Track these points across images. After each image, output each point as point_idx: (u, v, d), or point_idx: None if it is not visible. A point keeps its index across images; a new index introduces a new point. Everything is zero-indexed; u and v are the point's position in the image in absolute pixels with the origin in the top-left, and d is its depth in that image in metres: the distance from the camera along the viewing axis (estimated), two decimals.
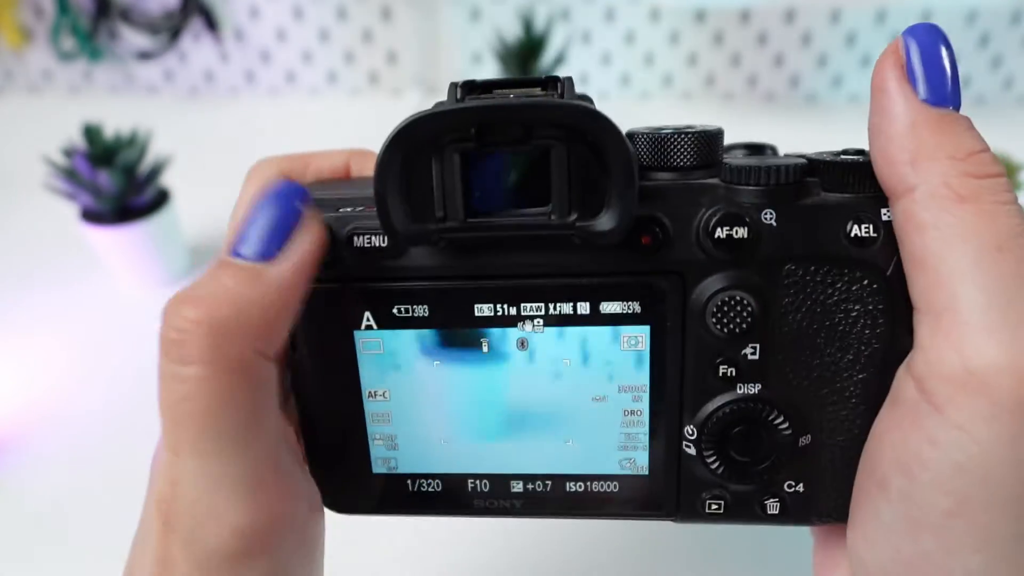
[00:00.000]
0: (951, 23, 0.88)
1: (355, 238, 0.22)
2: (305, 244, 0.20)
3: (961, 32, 0.89)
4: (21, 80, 1.03)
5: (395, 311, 0.23)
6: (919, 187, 0.18)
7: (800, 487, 0.22)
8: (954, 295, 0.17)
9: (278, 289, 0.19)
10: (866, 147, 0.21)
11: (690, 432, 0.22)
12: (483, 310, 0.22)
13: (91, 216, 0.57)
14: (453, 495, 0.24)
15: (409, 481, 0.24)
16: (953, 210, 0.18)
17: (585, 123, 0.19)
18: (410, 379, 0.23)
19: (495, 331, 0.22)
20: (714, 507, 0.23)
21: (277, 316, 0.19)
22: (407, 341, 0.23)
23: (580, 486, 0.24)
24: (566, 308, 0.22)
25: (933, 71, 0.19)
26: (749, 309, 0.21)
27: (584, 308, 0.22)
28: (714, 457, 0.22)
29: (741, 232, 0.20)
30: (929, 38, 0.19)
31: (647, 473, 0.23)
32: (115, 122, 0.62)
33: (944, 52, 0.19)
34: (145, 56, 0.97)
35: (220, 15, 0.95)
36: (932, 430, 0.17)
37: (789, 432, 0.21)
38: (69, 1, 0.95)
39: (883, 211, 0.20)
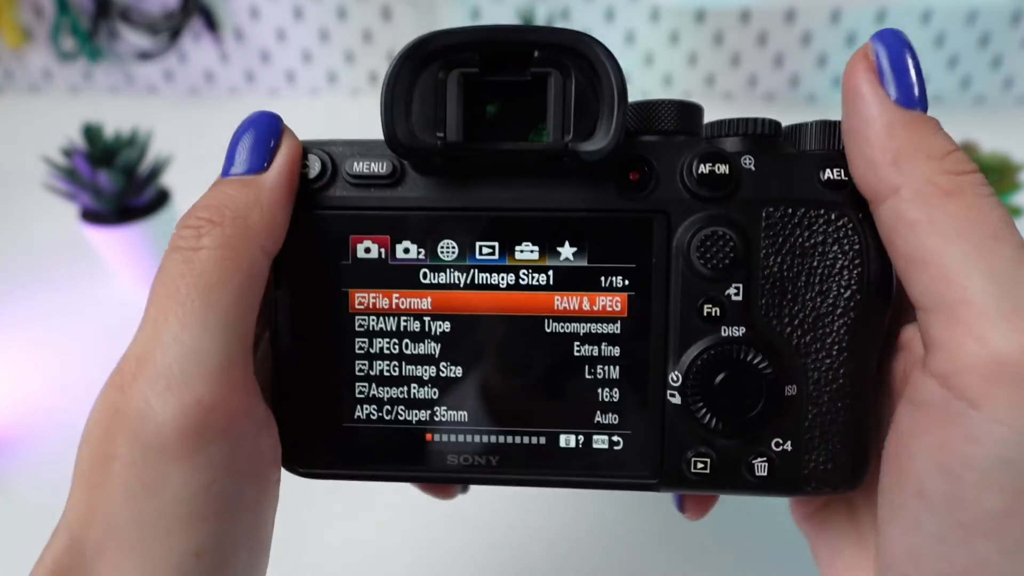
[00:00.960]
0: (951, 23, 0.88)
1: (354, 163, 0.22)
2: (287, 152, 0.22)
3: (961, 32, 0.89)
4: (21, 80, 1.03)
5: (389, 241, 0.23)
6: (904, 186, 0.19)
7: (788, 445, 0.22)
8: (964, 287, 0.17)
9: (272, 191, 0.22)
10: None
11: (675, 379, 0.22)
12: (475, 242, 0.22)
13: (91, 216, 0.57)
14: (427, 448, 0.23)
15: (382, 430, 0.23)
16: (942, 206, 0.18)
17: (582, 45, 0.20)
18: (399, 314, 0.23)
19: (485, 263, 0.23)
20: (699, 466, 0.22)
21: (275, 216, 0.21)
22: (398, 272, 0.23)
23: (556, 444, 0.23)
24: (555, 243, 0.22)
25: (902, 75, 0.20)
26: (732, 244, 0.21)
27: (572, 243, 0.22)
28: (700, 404, 0.22)
29: (723, 168, 0.22)
30: (897, 43, 0.20)
31: (629, 430, 0.23)
32: (115, 122, 0.62)
33: (910, 57, 0.20)
34: (145, 56, 0.97)
35: (220, 15, 0.95)
36: (970, 428, 0.17)
37: (774, 379, 0.21)
38: (69, 1, 0.95)
39: None
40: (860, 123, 0.20)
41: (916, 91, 0.20)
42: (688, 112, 0.23)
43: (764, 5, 0.88)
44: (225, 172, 0.22)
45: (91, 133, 0.57)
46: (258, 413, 0.21)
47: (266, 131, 0.22)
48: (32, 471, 0.45)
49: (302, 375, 0.23)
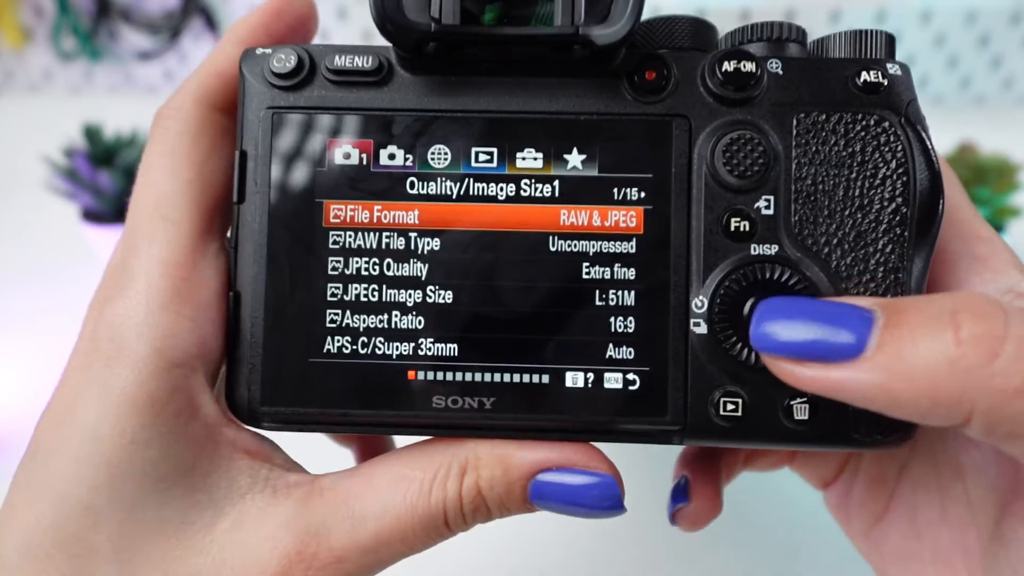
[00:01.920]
0: (951, 23, 0.88)
1: (335, 57, 0.20)
2: None
3: (961, 32, 0.89)
4: (21, 80, 1.03)
5: (372, 146, 0.20)
6: (976, 407, 0.16)
7: None
8: None
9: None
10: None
11: (699, 304, 0.19)
12: (470, 148, 0.20)
13: (91, 216, 0.57)
14: (409, 388, 0.20)
15: (357, 367, 0.20)
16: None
17: None
18: (380, 228, 0.20)
19: (481, 171, 0.20)
20: (729, 407, 0.19)
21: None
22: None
23: (561, 382, 0.20)
24: (562, 150, 0.20)
25: (806, 326, 0.17)
26: (761, 149, 0.19)
27: (580, 150, 0.20)
28: (730, 333, 0.19)
29: (749, 66, 0.19)
30: (775, 317, 0.18)
31: (647, 366, 0.20)
32: (115, 122, 0.62)
33: (794, 312, 0.17)
34: (145, 56, 0.97)
35: (220, 15, 0.95)
36: None
37: None
38: (69, 1, 0.95)
39: (888, 65, 0.20)
40: (871, 402, 0.17)
41: (824, 336, 0.17)
42: (703, 28, 0.21)
43: (764, 5, 0.88)
44: None
45: (91, 133, 0.57)
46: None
47: None
48: None
49: (263, 302, 0.20)
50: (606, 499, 0.20)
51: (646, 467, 0.21)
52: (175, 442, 0.19)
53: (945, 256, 0.21)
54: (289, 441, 0.23)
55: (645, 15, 0.19)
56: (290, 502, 0.20)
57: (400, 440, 0.29)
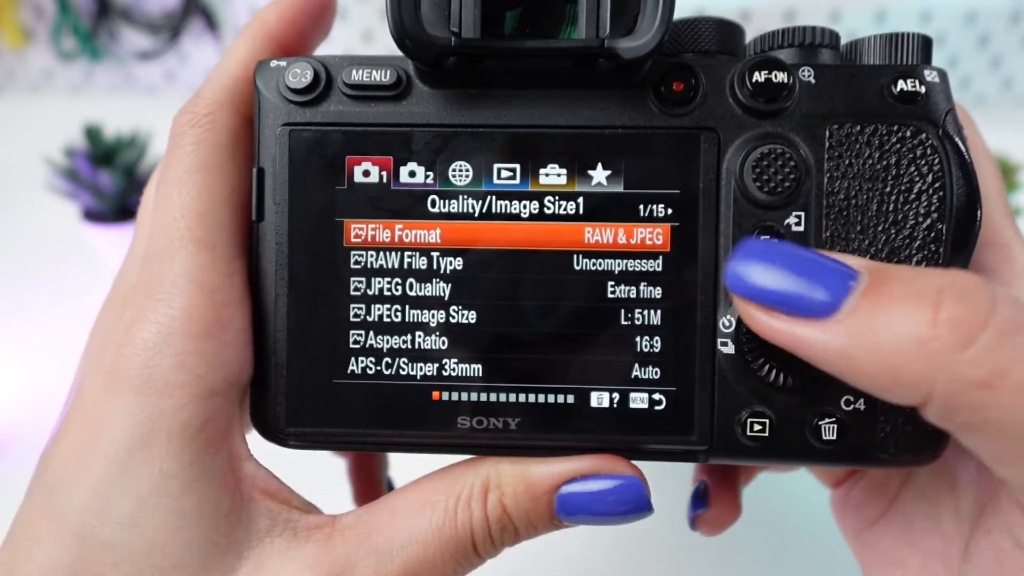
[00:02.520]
0: (951, 23, 0.88)
1: (352, 71, 0.19)
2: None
3: (961, 32, 0.89)
4: (21, 80, 1.03)
5: (392, 163, 0.20)
6: (935, 392, 0.15)
7: (860, 403, 0.19)
8: None
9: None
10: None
11: (727, 324, 0.19)
12: (492, 164, 0.19)
13: (91, 216, 0.57)
14: (434, 409, 0.20)
15: (381, 388, 0.20)
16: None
17: None
18: (402, 248, 0.20)
19: (504, 189, 0.19)
20: (756, 428, 0.19)
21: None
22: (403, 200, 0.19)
23: (586, 402, 0.20)
24: (586, 165, 0.19)
25: (781, 280, 0.17)
26: (792, 164, 0.18)
27: (605, 165, 0.19)
28: (757, 354, 0.19)
29: (781, 76, 0.19)
30: (753, 258, 0.17)
31: (673, 386, 0.19)
32: (115, 122, 0.62)
33: (771, 258, 0.17)
34: (145, 56, 0.97)
35: (220, 15, 0.95)
36: None
37: None
38: (69, 1, 0.95)
39: (926, 72, 0.19)
40: (828, 364, 0.16)
41: (805, 284, 0.16)
42: (730, 31, 0.21)
43: (764, 5, 0.88)
44: None
45: (92, 133, 0.57)
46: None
47: None
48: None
49: (286, 323, 0.20)
50: (633, 500, 0.19)
51: (664, 470, 0.21)
52: (201, 475, 0.19)
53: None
54: (283, 464, 0.22)
55: None
56: (311, 544, 0.19)
57: (395, 456, 0.29)
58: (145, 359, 0.19)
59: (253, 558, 0.19)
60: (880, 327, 0.15)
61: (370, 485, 0.28)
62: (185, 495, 0.18)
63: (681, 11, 0.19)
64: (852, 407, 0.19)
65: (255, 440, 0.21)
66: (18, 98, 1.00)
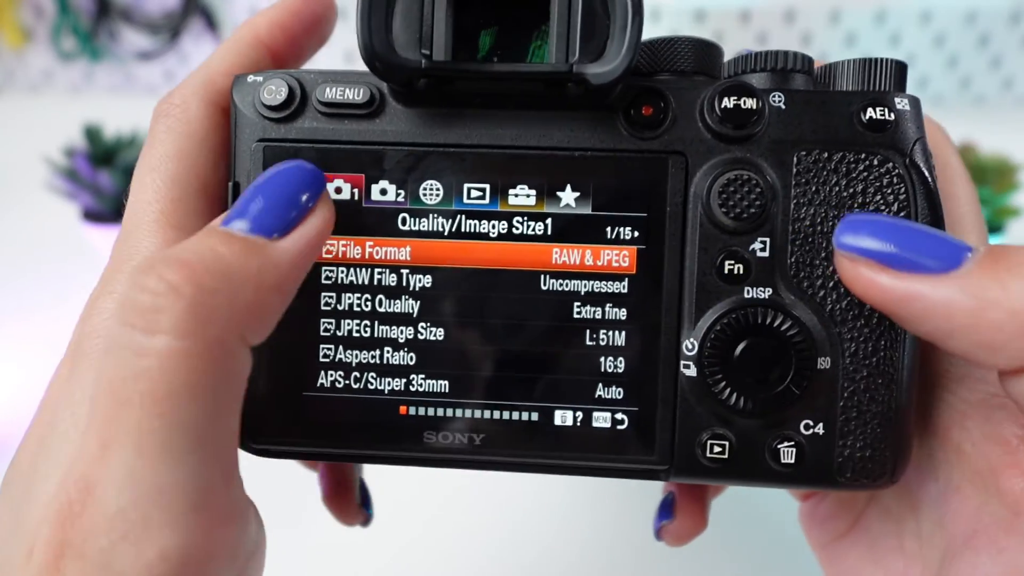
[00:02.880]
0: (951, 23, 0.88)
1: (326, 89, 0.19)
2: (318, 222, 0.18)
3: (961, 32, 0.89)
4: (21, 80, 1.03)
5: (364, 180, 0.20)
6: None
7: (819, 428, 0.19)
8: None
9: (279, 267, 0.17)
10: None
11: (689, 347, 0.19)
12: (462, 184, 0.19)
13: (91, 216, 0.57)
14: (400, 424, 0.20)
15: (349, 401, 0.20)
16: None
17: None
18: (372, 265, 0.20)
19: (473, 208, 0.20)
20: (716, 450, 0.19)
21: (272, 300, 0.17)
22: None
23: (550, 420, 0.20)
24: (555, 186, 0.19)
25: (898, 237, 0.17)
26: (759, 190, 0.19)
27: (574, 187, 0.19)
28: (719, 377, 0.19)
29: (749, 102, 0.19)
30: (865, 220, 0.18)
31: (636, 407, 0.20)
32: (115, 122, 0.62)
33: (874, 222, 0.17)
34: (145, 56, 0.97)
35: (220, 15, 0.95)
36: None
37: (804, 349, 0.19)
38: (69, 1, 0.95)
39: (896, 99, 0.19)
40: (945, 319, 0.16)
41: (924, 242, 0.17)
42: (707, 51, 0.21)
43: (764, 5, 0.88)
44: (226, 221, 0.17)
45: (91, 133, 0.57)
46: (247, 542, 0.17)
47: (299, 186, 0.18)
48: None
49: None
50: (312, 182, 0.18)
51: (634, 483, 0.21)
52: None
53: None
54: (251, 459, 0.21)
55: (646, 34, 0.19)
56: None
57: (369, 467, 0.29)
58: (106, 329, 0.18)
59: None
60: (1010, 282, 0.15)
61: (341, 486, 0.27)
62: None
63: (681, 14, 0.19)
64: (811, 431, 0.19)
65: None
66: (18, 98, 1.00)
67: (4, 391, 0.51)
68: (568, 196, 0.19)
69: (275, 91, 0.20)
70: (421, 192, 0.20)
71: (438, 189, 0.20)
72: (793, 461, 0.19)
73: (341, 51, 0.96)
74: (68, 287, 0.64)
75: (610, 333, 0.20)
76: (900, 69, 0.20)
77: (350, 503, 0.27)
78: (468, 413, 0.20)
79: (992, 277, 0.16)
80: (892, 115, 0.19)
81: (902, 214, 0.19)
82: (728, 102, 0.19)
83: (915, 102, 0.19)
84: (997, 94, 0.93)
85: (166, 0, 0.93)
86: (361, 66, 0.19)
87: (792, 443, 0.19)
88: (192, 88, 0.21)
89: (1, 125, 0.95)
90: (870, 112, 0.19)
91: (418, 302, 0.20)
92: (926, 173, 0.19)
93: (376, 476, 0.29)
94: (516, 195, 0.20)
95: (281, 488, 0.22)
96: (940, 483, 0.20)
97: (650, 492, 0.30)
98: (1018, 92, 0.93)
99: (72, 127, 0.60)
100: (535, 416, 0.20)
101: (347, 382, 0.20)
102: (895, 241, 0.17)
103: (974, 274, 0.16)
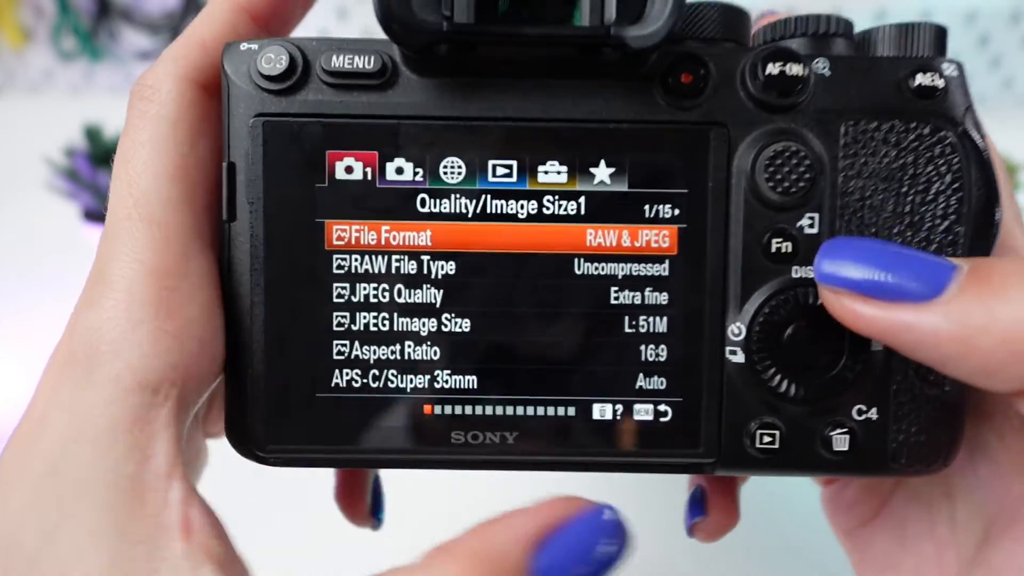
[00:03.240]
0: (951, 23, 0.88)
1: (332, 57, 0.18)
2: None
3: (961, 32, 0.89)
4: (21, 80, 1.03)
5: (377, 158, 0.18)
6: None
7: (873, 413, 0.18)
8: None
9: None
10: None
11: (736, 332, 0.18)
12: (487, 160, 0.18)
13: (91, 216, 0.58)
14: (425, 424, 0.19)
15: (368, 402, 0.19)
16: None
17: None
18: (389, 251, 0.19)
19: (499, 187, 0.18)
20: (766, 440, 0.18)
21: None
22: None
23: (588, 415, 0.19)
24: (588, 162, 0.18)
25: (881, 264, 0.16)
26: (807, 163, 0.18)
27: (609, 162, 0.18)
28: (768, 363, 0.18)
29: (796, 69, 0.18)
30: (844, 248, 0.17)
31: (680, 397, 0.19)
32: (115, 122, 0.62)
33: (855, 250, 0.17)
34: (145, 56, 0.97)
35: None
36: None
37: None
38: (69, 1, 0.95)
39: (944, 65, 0.18)
40: (934, 348, 0.16)
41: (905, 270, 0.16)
42: (736, 17, 0.19)
43: (764, 5, 0.88)
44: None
45: (91, 133, 0.57)
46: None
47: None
48: None
49: (262, 333, 0.18)
50: (614, 532, 0.17)
51: (651, 476, 0.20)
52: (117, 488, 0.16)
53: None
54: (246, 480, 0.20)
55: None
56: None
57: (386, 471, 0.29)
58: (86, 346, 0.17)
59: None
60: (996, 305, 0.15)
61: (353, 486, 0.26)
62: (100, 511, 0.16)
63: None
64: (864, 416, 0.19)
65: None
66: (18, 98, 1.00)
67: (4, 390, 0.51)
68: (602, 172, 0.18)
69: (274, 60, 0.18)
70: (441, 170, 0.18)
71: (460, 167, 0.18)
72: (847, 448, 0.18)
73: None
74: (68, 287, 0.64)
75: (651, 319, 0.19)
76: (940, 34, 0.19)
77: (360, 506, 0.27)
78: (499, 410, 0.19)
79: (977, 301, 0.15)
80: (942, 81, 0.18)
81: (955, 185, 0.18)
82: (773, 68, 0.18)
83: (961, 68, 0.19)
84: (997, 94, 0.93)
85: (166, 0, 0.93)
86: (355, 34, 0.18)
87: (845, 429, 0.18)
88: (164, 65, 0.19)
89: (1, 125, 0.95)
90: (919, 78, 0.18)
91: (441, 291, 0.19)
92: (979, 142, 0.18)
93: (393, 476, 0.29)
94: (546, 172, 0.18)
95: (286, 481, 0.22)
96: (980, 469, 0.20)
97: (663, 485, 0.30)
98: (1018, 92, 0.93)
99: (72, 127, 0.60)
100: (571, 411, 0.19)
101: (365, 381, 0.19)
102: (876, 265, 0.16)
103: (958, 299, 0.16)
